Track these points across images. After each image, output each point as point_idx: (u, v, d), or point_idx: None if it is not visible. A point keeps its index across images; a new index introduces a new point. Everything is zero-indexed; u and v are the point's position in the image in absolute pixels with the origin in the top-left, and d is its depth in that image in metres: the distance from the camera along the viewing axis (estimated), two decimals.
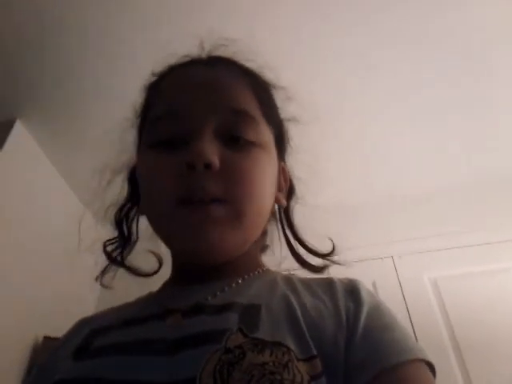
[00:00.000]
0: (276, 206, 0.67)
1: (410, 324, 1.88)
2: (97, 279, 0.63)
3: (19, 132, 1.82)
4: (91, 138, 1.89)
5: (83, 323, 0.58)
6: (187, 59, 0.63)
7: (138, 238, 0.65)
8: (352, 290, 0.51)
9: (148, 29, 1.52)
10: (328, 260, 0.64)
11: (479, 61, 1.73)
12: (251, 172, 0.51)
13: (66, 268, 1.97)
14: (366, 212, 2.30)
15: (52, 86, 1.71)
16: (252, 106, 0.55)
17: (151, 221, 0.57)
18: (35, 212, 1.88)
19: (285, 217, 0.68)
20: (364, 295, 0.49)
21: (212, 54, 0.63)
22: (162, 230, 0.55)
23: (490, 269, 2.04)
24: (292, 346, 0.40)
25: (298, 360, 0.39)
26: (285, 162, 0.68)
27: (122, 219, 0.65)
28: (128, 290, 0.66)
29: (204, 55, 0.64)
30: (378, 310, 0.48)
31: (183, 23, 1.48)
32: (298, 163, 0.70)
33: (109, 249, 0.64)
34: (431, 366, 0.43)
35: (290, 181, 0.68)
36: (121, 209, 0.66)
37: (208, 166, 0.47)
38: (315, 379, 0.38)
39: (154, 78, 0.63)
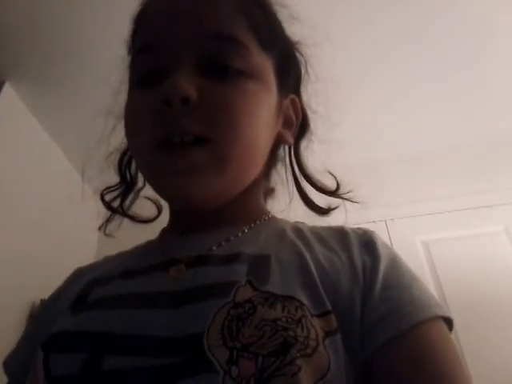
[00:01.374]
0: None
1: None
2: (100, 228, 0.60)
3: (8, 94, 1.77)
4: (81, 99, 1.86)
5: (80, 273, 0.56)
6: None
7: (144, 184, 0.59)
8: (367, 242, 0.48)
9: None
10: (339, 197, 0.59)
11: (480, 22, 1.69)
12: (237, 105, 0.44)
13: (60, 232, 1.97)
14: (358, 175, 2.28)
15: (41, 46, 1.65)
16: (240, 29, 0.47)
17: (137, 165, 0.54)
18: (25, 173, 1.86)
19: (293, 154, 0.62)
20: (380, 248, 0.47)
21: None
22: (145, 176, 0.52)
23: (480, 232, 2.06)
24: (305, 301, 0.38)
25: (312, 315, 0.37)
26: (298, 94, 0.61)
27: (125, 165, 0.61)
28: (128, 240, 0.64)
29: None
30: (395, 266, 0.46)
31: None
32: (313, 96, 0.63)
33: (108, 198, 0.60)
34: (449, 321, 0.42)
35: (304, 115, 0.61)
36: (123, 154, 0.61)
37: (185, 100, 0.41)
38: (330, 335, 0.37)
39: (137, 8, 0.55)
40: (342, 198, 0.59)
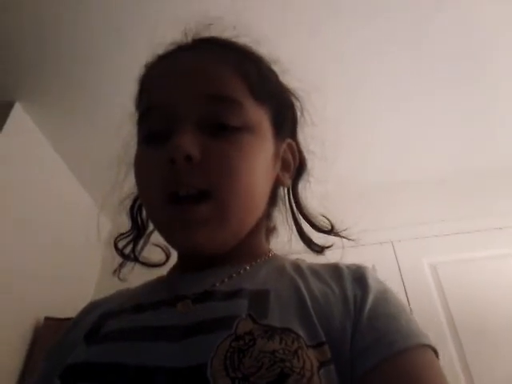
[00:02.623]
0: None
1: (408, 308, 1.88)
2: (114, 273, 0.64)
3: (18, 114, 1.80)
4: (91, 121, 1.88)
5: (94, 306, 0.59)
6: (172, 47, 0.60)
7: (154, 229, 0.64)
8: (359, 277, 0.50)
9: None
10: (336, 235, 0.63)
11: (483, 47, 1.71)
12: (234, 159, 0.49)
13: (66, 249, 1.98)
14: (365, 197, 2.29)
15: (52, 67, 1.69)
16: (236, 88, 0.52)
17: (148, 216, 0.59)
18: (34, 194, 1.88)
19: (292, 195, 0.66)
20: (371, 282, 0.49)
21: (197, 37, 0.61)
22: (155, 227, 0.56)
23: (488, 255, 2.04)
24: (301, 333, 0.41)
25: (308, 347, 0.39)
26: (294, 138, 0.65)
27: (136, 211, 0.66)
28: (130, 271, 0.66)
29: (189, 39, 0.61)
30: (384, 297, 0.48)
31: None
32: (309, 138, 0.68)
33: (120, 245, 0.64)
34: (435, 352, 0.43)
35: (301, 157, 0.65)
36: (134, 201, 0.66)
37: (188, 158, 0.46)
38: (324, 366, 0.39)
39: (142, 71, 0.61)
40: (339, 236, 0.63)
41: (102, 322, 0.50)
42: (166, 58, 0.58)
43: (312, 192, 0.66)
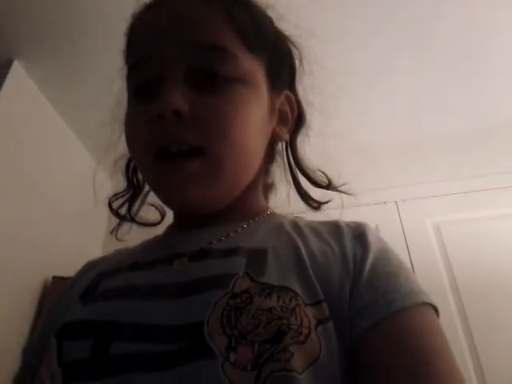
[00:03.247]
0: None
1: (411, 268, 1.89)
2: (112, 233, 0.64)
3: (17, 73, 1.77)
4: (91, 78, 1.85)
5: (91, 265, 0.59)
6: None
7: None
8: (360, 234, 0.50)
9: None
10: (334, 190, 0.62)
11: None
12: (227, 113, 0.47)
13: (72, 208, 2.00)
14: (369, 156, 2.27)
15: (50, 23, 1.64)
16: (226, 37, 0.49)
17: (140, 173, 0.58)
18: (36, 152, 1.87)
19: (290, 149, 0.64)
20: (371, 240, 0.49)
21: None
22: (148, 184, 0.55)
23: (492, 214, 2.04)
24: (299, 291, 0.41)
25: (306, 305, 0.39)
26: (292, 89, 0.62)
27: (132, 170, 0.64)
28: (134, 230, 0.66)
29: None
30: (384, 256, 0.47)
31: None
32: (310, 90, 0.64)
33: (115, 205, 0.63)
34: (436, 310, 0.43)
35: (299, 109, 0.62)
36: (130, 160, 0.64)
37: (177, 113, 0.44)
38: (322, 323, 0.39)
39: (129, 22, 0.57)
40: (337, 191, 0.62)
41: (98, 281, 0.50)
42: (152, 7, 0.54)
43: (311, 147, 0.64)
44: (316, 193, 0.63)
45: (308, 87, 0.64)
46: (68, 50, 1.76)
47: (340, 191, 0.62)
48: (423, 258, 1.96)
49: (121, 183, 0.65)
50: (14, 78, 1.74)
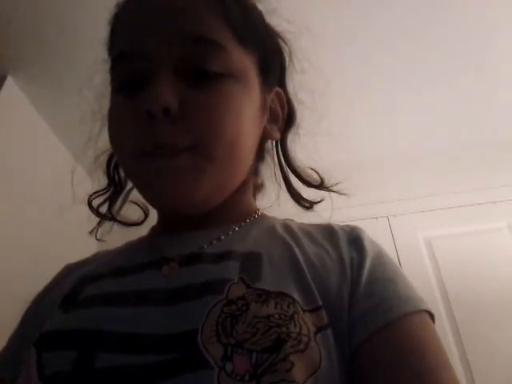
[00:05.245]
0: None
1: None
2: (91, 233, 0.60)
3: (10, 88, 1.76)
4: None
5: (70, 270, 0.55)
6: None
7: (133, 186, 0.58)
8: (355, 239, 0.49)
9: None
10: (326, 190, 0.60)
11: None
12: (218, 109, 0.44)
13: (55, 218, 1.97)
14: (361, 171, 2.28)
15: (43, 40, 1.65)
16: (217, 30, 0.46)
17: (124, 172, 0.55)
18: (27, 166, 1.85)
19: (281, 148, 0.61)
20: (367, 245, 0.48)
21: None
22: (132, 183, 0.52)
23: (483, 228, 2.05)
24: (297, 297, 0.39)
25: (304, 311, 0.38)
26: (282, 86, 0.60)
27: (113, 167, 0.61)
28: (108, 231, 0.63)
29: None
30: (381, 261, 0.46)
31: None
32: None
33: (95, 203, 0.59)
34: (431, 316, 0.42)
35: (290, 107, 0.60)
36: (111, 156, 0.61)
37: (166, 110, 0.41)
38: (321, 331, 0.37)
39: (113, 11, 0.53)
40: (329, 191, 0.60)
41: (79, 287, 0.46)
42: None
43: (302, 146, 0.62)
44: (307, 193, 0.61)
45: (298, 90, 0.63)
46: (61, 67, 1.76)
47: (333, 191, 0.60)
48: (415, 273, 1.95)
49: (101, 182, 0.61)
50: (6, 93, 1.73)
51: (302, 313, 0.37)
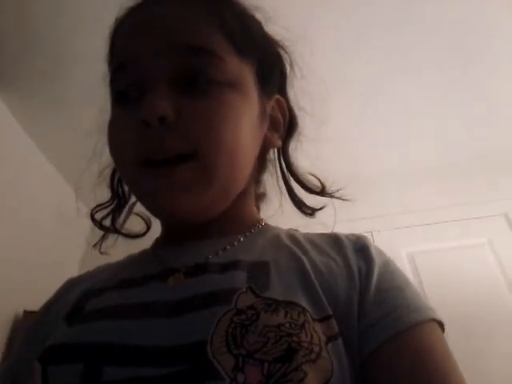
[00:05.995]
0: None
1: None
2: (95, 246, 0.59)
3: None
4: (69, 113, 1.85)
5: (73, 283, 0.55)
6: None
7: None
8: (361, 247, 0.48)
9: None
10: (329, 195, 0.59)
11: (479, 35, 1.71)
12: (215, 116, 0.44)
13: (46, 241, 1.95)
14: (345, 187, 2.30)
15: (31, 58, 1.64)
16: (213, 39, 0.46)
17: (125, 183, 0.55)
18: (12, 183, 1.84)
19: (282, 155, 0.61)
20: (374, 253, 0.47)
21: None
22: (134, 195, 0.52)
23: (464, 244, 2.09)
24: (306, 306, 0.39)
25: (314, 320, 0.37)
26: (283, 94, 0.60)
27: (117, 181, 0.60)
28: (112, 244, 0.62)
29: None
30: (389, 269, 0.46)
31: None
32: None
33: (98, 216, 0.58)
34: (441, 324, 0.42)
35: (291, 115, 0.60)
36: (115, 170, 0.60)
37: (162, 119, 0.41)
38: (332, 340, 0.37)
39: (113, 24, 0.54)
40: (332, 197, 0.59)
41: (84, 300, 0.46)
42: (135, 9, 0.51)
43: (304, 153, 0.62)
44: (310, 201, 0.61)
45: (298, 97, 0.63)
46: (47, 84, 1.75)
47: (335, 197, 0.59)
48: None
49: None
50: None
51: (312, 322, 0.37)
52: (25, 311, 1.74)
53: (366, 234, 1.84)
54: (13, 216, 1.80)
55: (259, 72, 0.52)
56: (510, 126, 2.18)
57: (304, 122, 0.62)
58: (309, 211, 0.61)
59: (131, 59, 0.46)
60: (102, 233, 0.60)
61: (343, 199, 0.59)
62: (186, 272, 0.45)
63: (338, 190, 0.60)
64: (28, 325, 0.52)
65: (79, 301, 0.46)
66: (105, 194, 0.60)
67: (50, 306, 0.52)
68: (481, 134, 2.23)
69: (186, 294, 0.40)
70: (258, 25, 0.56)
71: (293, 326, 0.36)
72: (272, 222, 0.60)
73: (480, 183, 2.25)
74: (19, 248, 1.80)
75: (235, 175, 0.48)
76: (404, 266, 2.05)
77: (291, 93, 0.62)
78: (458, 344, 1.84)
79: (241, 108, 0.47)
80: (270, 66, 0.56)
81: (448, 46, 1.74)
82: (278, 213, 0.63)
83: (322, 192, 0.59)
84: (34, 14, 1.50)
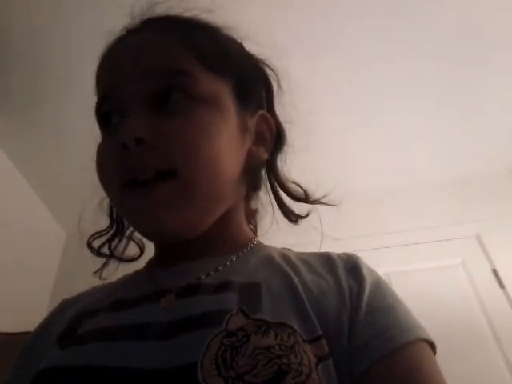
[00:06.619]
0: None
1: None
2: (95, 273, 0.59)
3: None
4: (56, 140, 1.83)
5: (66, 305, 0.54)
6: (121, 32, 0.56)
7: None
8: (353, 266, 0.49)
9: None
10: (315, 202, 0.60)
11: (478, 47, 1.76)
12: (191, 132, 0.45)
13: (18, 263, 1.89)
14: (323, 208, 2.32)
15: (17, 80, 1.64)
16: (184, 60, 0.48)
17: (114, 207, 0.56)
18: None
19: (270, 166, 0.62)
20: (365, 273, 0.48)
21: (144, 18, 0.56)
22: (123, 216, 0.53)
23: (439, 265, 2.14)
24: (297, 327, 0.39)
25: (304, 341, 0.38)
26: (269, 109, 0.62)
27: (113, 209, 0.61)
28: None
29: (137, 21, 0.56)
30: (379, 289, 0.46)
31: None
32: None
33: (96, 244, 0.59)
34: (432, 345, 0.43)
35: (278, 129, 0.61)
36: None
37: (139, 140, 0.42)
38: (322, 361, 0.37)
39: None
40: (318, 203, 0.60)
41: (77, 322, 0.46)
42: (115, 43, 0.54)
43: (292, 163, 0.63)
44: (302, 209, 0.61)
45: (285, 107, 0.64)
46: (33, 108, 1.74)
47: (321, 203, 0.60)
48: None
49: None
50: None
51: (302, 343, 0.37)
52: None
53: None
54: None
55: (237, 88, 0.54)
56: (483, 149, 2.25)
57: (293, 134, 0.64)
58: (294, 218, 0.61)
59: (111, 88, 0.49)
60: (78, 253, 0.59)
61: (329, 205, 0.60)
62: (178, 293, 0.45)
63: (322, 197, 0.60)
64: (21, 348, 0.51)
65: (72, 322, 0.46)
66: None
67: (43, 327, 0.52)
68: (455, 158, 2.30)
69: (178, 316, 0.40)
70: (234, 44, 0.58)
71: (283, 347, 0.36)
72: (268, 239, 0.61)
73: (453, 205, 2.31)
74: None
75: (217, 190, 0.48)
76: None
77: (280, 107, 0.63)
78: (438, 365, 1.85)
79: (217, 123, 0.48)
80: (249, 82, 0.57)
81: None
82: (274, 229, 0.64)
83: (306, 199, 0.60)
84: (24, 29, 1.49)
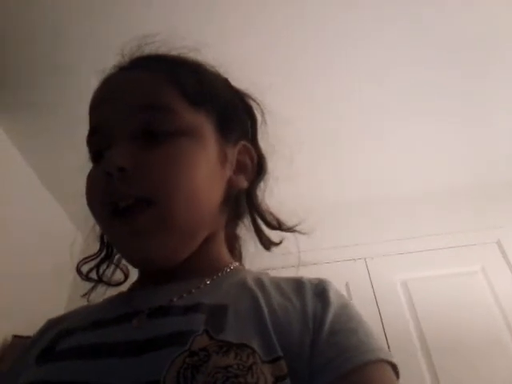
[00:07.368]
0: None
1: (380, 324, 1.93)
2: (84, 296, 0.62)
3: None
4: (66, 138, 1.86)
5: (51, 324, 0.57)
6: (112, 70, 0.60)
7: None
8: (321, 291, 0.50)
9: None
10: (290, 230, 0.63)
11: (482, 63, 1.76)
12: (169, 163, 0.48)
13: (35, 266, 1.93)
14: (339, 213, 2.32)
15: (28, 83, 1.67)
16: (165, 95, 0.52)
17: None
18: (7, 208, 1.84)
19: (249, 195, 0.64)
20: (332, 296, 0.49)
21: (133, 56, 0.60)
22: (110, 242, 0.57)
23: (458, 271, 2.10)
24: (257, 348, 0.40)
25: (263, 362, 0.39)
26: (253, 139, 0.65)
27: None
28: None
29: (127, 59, 0.61)
30: (344, 312, 0.47)
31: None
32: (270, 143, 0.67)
33: (85, 269, 0.62)
34: (395, 367, 0.43)
35: (259, 158, 0.64)
36: None
37: (122, 169, 0.46)
38: (280, 381, 0.38)
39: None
40: (291, 231, 0.63)
41: (56, 341, 0.49)
42: (103, 81, 0.58)
43: (280, 203, 0.66)
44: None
45: (268, 138, 0.67)
46: (45, 109, 1.78)
47: (294, 231, 0.63)
48: (392, 314, 1.97)
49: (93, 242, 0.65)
50: None
51: (260, 364, 0.39)
52: (14, 336, 1.71)
53: (359, 260, 1.86)
54: (5, 240, 1.79)
55: (219, 121, 0.57)
56: (505, 155, 2.22)
57: (275, 163, 0.66)
58: (267, 246, 0.64)
59: (99, 123, 0.54)
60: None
61: (302, 233, 0.63)
62: (149, 314, 0.47)
63: (296, 225, 0.63)
64: (10, 366, 0.54)
65: (52, 341, 0.49)
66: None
67: (29, 346, 0.55)
68: (475, 163, 2.27)
69: (147, 335, 0.43)
70: (218, 80, 0.62)
71: (241, 367, 0.37)
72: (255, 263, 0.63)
73: (474, 211, 2.27)
74: (8, 273, 1.78)
75: (196, 218, 0.51)
76: (398, 292, 2.06)
77: (264, 137, 0.67)
78: (451, 370, 1.84)
79: (195, 153, 0.51)
80: (231, 115, 0.61)
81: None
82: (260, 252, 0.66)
83: (280, 227, 0.63)
84: (32, 34, 1.53)
